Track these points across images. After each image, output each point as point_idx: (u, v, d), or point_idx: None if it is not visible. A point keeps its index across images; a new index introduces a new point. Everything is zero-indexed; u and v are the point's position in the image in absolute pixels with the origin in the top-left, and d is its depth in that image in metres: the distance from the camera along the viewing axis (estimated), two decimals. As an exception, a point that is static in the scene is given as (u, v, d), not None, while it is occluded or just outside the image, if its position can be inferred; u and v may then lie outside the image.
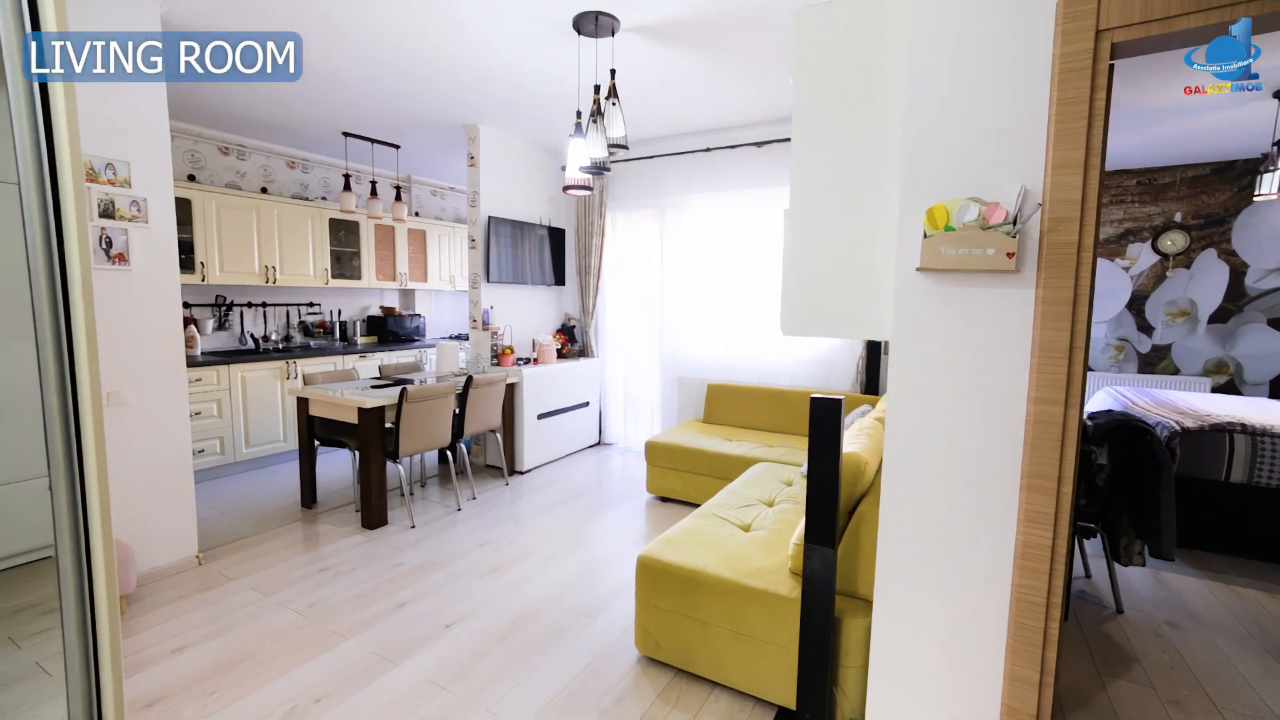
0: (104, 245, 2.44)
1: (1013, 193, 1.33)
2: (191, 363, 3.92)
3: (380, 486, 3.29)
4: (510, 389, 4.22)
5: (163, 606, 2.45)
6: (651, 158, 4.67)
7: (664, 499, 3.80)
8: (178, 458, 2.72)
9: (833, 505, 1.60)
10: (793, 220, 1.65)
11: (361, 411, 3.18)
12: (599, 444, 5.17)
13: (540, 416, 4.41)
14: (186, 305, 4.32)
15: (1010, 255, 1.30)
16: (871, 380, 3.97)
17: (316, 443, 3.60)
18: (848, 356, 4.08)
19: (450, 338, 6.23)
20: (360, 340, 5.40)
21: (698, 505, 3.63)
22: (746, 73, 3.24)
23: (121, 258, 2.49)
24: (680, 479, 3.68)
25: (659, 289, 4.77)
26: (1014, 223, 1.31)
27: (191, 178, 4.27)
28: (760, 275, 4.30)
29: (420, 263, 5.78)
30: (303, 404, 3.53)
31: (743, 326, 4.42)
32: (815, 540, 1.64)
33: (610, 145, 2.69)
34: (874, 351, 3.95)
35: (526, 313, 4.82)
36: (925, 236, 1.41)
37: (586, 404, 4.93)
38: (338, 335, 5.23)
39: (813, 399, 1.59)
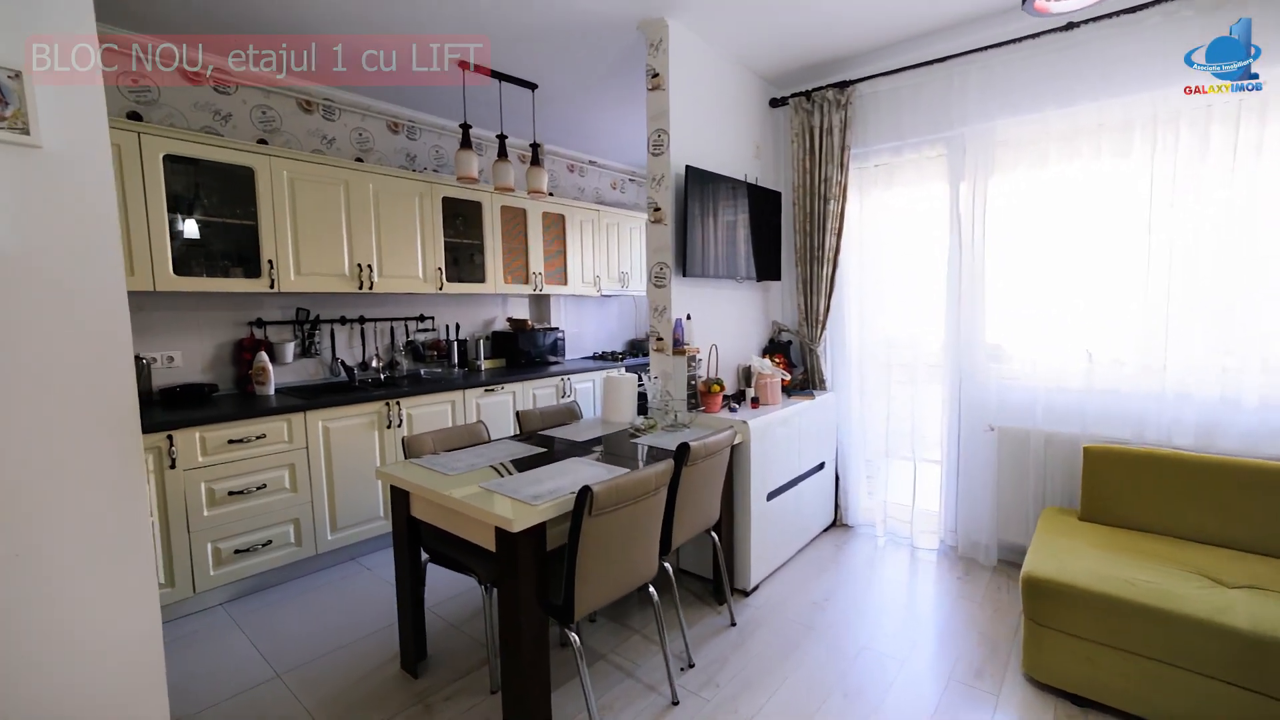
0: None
1: None
2: (259, 409, 2.60)
3: (538, 661, 1.69)
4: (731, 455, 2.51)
5: None
6: (930, 64, 2.79)
7: (1076, 700, 1.87)
8: (140, 621, 1.26)
9: None
10: None
11: (503, 536, 1.61)
12: (834, 525, 3.34)
13: (770, 496, 2.67)
14: (260, 324, 3.06)
15: None
16: None
17: (425, 557, 2.10)
18: None
19: (594, 359, 4.69)
20: (484, 365, 3.98)
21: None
22: None
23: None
24: (1120, 665, 1.75)
25: (953, 278, 2.86)
26: None
27: (263, 143, 3.00)
28: (1188, 234, 2.28)
29: (559, 259, 4.28)
30: (400, 497, 2.03)
31: (1151, 332, 2.41)
32: None
33: None
34: None
35: (723, 324, 3.10)
36: None
37: (821, 466, 3.13)
38: (456, 360, 3.83)
39: None
